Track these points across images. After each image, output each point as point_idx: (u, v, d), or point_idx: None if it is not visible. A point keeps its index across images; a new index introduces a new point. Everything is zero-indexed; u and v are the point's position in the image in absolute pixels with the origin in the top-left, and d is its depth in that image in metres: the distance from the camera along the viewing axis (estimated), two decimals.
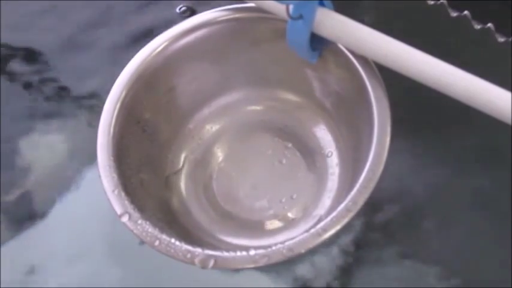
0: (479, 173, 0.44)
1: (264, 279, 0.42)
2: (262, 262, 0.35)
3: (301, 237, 0.35)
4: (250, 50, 0.45)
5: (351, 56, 0.41)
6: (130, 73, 0.43)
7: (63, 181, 0.48)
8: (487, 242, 0.42)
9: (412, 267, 0.42)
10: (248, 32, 0.44)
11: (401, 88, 0.39)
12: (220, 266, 0.36)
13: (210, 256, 0.36)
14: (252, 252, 0.35)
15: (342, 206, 0.36)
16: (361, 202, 0.36)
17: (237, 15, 0.44)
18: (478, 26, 0.47)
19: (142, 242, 0.37)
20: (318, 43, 0.41)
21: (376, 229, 0.43)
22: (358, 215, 0.36)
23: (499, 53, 0.46)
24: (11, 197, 0.48)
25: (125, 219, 0.38)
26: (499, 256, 0.41)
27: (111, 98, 0.42)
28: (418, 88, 0.38)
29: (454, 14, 0.48)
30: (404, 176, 0.44)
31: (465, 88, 0.37)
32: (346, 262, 0.42)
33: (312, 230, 0.35)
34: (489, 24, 0.47)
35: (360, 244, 0.43)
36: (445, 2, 0.48)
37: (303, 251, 0.35)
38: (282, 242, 0.35)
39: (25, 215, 0.47)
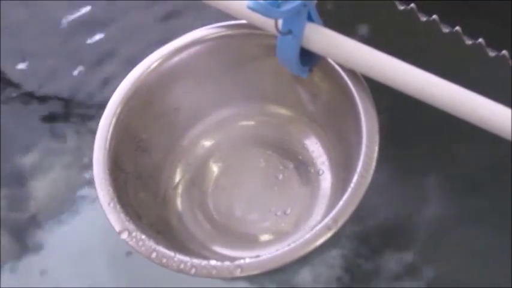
0: (470, 180, 0.45)
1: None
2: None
3: (274, 253, 0.36)
4: (243, 66, 0.46)
5: (339, 70, 0.42)
6: (125, 90, 0.44)
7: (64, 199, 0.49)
8: (483, 249, 0.43)
9: (404, 274, 0.42)
10: (240, 49, 0.46)
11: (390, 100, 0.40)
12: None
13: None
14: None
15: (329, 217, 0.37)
16: (347, 215, 0.37)
17: (229, 32, 0.45)
18: (469, 42, 0.48)
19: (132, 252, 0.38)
20: (308, 58, 0.42)
21: (367, 240, 0.44)
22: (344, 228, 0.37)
23: (489, 68, 0.47)
24: (13, 213, 0.49)
25: (124, 235, 0.38)
26: (497, 265, 0.42)
27: (106, 113, 0.43)
28: (407, 100, 0.39)
29: (445, 30, 0.49)
30: (393, 186, 0.45)
31: (450, 98, 0.37)
32: (339, 273, 0.43)
33: (293, 244, 0.36)
34: (480, 40, 0.47)
35: (351, 257, 0.43)
36: (436, 18, 0.49)
37: (275, 266, 0.36)
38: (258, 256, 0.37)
39: (26, 233, 0.48)
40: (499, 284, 0.41)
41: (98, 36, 0.56)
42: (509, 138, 0.36)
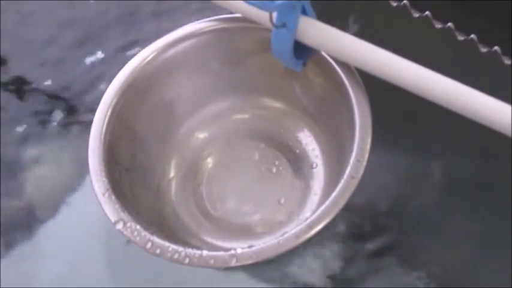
0: (468, 176, 0.45)
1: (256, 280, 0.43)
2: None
3: (268, 243, 0.37)
4: (237, 60, 0.47)
5: (333, 63, 0.42)
6: (120, 82, 0.44)
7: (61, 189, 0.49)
8: (483, 246, 0.43)
9: (404, 275, 0.42)
10: (235, 42, 0.46)
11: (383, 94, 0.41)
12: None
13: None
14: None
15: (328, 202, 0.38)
16: (340, 205, 0.37)
17: (224, 26, 0.45)
18: (461, 38, 0.48)
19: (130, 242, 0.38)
20: (302, 51, 0.42)
21: (366, 236, 0.44)
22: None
23: (481, 63, 0.47)
24: (10, 206, 0.49)
25: (119, 226, 0.39)
26: (497, 263, 0.42)
27: (102, 105, 0.43)
28: (400, 93, 0.39)
29: (438, 26, 0.49)
30: (389, 181, 0.45)
31: (444, 92, 0.38)
32: (338, 267, 0.43)
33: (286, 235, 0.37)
34: (472, 36, 0.48)
35: (349, 252, 0.44)
36: (429, 14, 0.49)
37: (269, 256, 0.36)
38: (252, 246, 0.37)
39: (23, 224, 0.48)
40: (499, 284, 0.41)
41: None
42: (508, 133, 0.37)
